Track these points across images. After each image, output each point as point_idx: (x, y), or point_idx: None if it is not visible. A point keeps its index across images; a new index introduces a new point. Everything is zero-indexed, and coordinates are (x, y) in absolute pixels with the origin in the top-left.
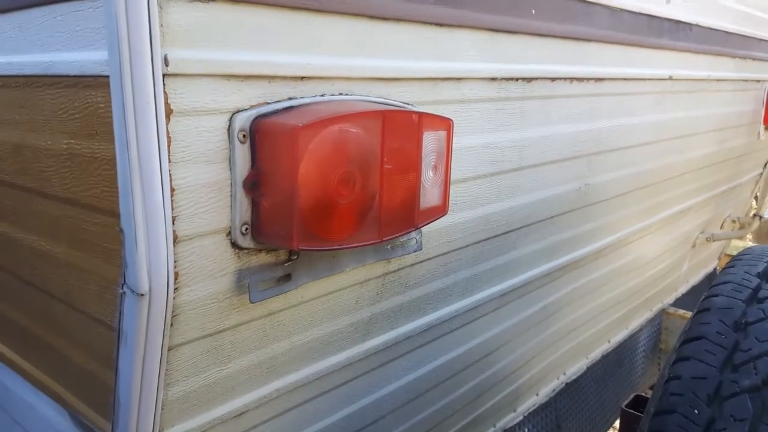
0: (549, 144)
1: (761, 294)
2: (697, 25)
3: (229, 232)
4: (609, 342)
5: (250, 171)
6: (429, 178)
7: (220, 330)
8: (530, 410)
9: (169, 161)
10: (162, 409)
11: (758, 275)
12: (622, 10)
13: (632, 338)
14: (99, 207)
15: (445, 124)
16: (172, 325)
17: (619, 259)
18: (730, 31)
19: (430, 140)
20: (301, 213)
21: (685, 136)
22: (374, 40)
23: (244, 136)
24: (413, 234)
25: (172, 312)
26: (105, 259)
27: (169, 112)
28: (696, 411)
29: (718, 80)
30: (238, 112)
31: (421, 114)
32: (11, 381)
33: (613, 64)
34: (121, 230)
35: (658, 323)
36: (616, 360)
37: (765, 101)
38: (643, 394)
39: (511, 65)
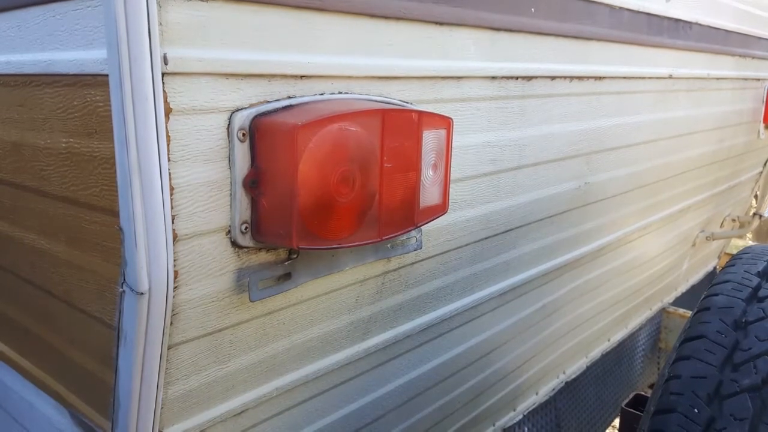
0: (549, 143)
1: (761, 293)
2: (696, 24)
3: (229, 231)
4: (609, 341)
5: (250, 170)
6: (429, 176)
7: (219, 329)
8: (530, 409)
9: (169, 160)
10: (162, 407)
11: (758, 274)
12: (621, 8)
13: (632, 337)
14: (98, 206)
15: (444, 122)
16: (171, 323)
17: (618, 258)
18: (730, 29)
19: (430, 139)
20: (301, 212)
21: (684, 135)
22: (374, 39)
23: (243, 134)
24: (413, 233)
25: (172, 311)
26: (104, 258)
27: (168, 111)
28: (696, 410)
29: (717, 79)
30: (238, 110)
31: (420, 113)
32: (11, 380)
33: (612, 62)
34: (120, 229)
35: (657, 322)
36: (616, 359)
37: (765, 100)
38: (643, 393)
39: (511, 64)
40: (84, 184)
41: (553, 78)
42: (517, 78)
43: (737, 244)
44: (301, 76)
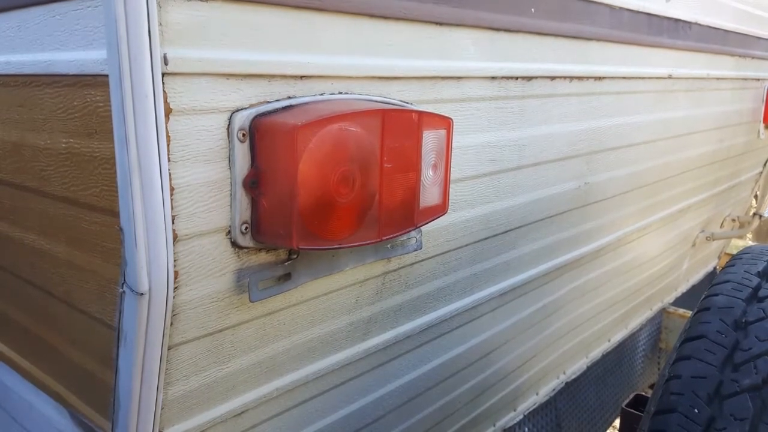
0: (549, 143)
1: (761, 293)
2: (696, 24)
3: (229, 231)
4: (609, 341)
5: (250, 170)
6: (429, 177)
7: (219, 329)
8: (530, 409)
9: (169, 160)
10: (162, 408)
11: (758, 274)
12: (621, 8)
13: (632, 337)
14: (98, 206)
15: (444, 123)
16: (171, 324)
17: (618, 258)
18: (730, 29)
19: (430, 139)
20: (301, 212)
21: (684, 135)
22: (374, 39)
23: (243, 135)
24: (413, 233)
25: (172, 311)
26: (105, 258)
27: (168, 111)
28: (696, 410)
29: (717, 79)
30: (238, 111)
31: (420, 113)
32: (11, 380)
33: (612, 62)
34: (120, 229)
35: (658, 322)
36: (616, 359)
37: (765, 100)
38: (644, 393)
39: (511, 64)
40: (84, 184)
41: (553, 78)
42: (517, 78)
43: (737, 244)
44: (301, 77)
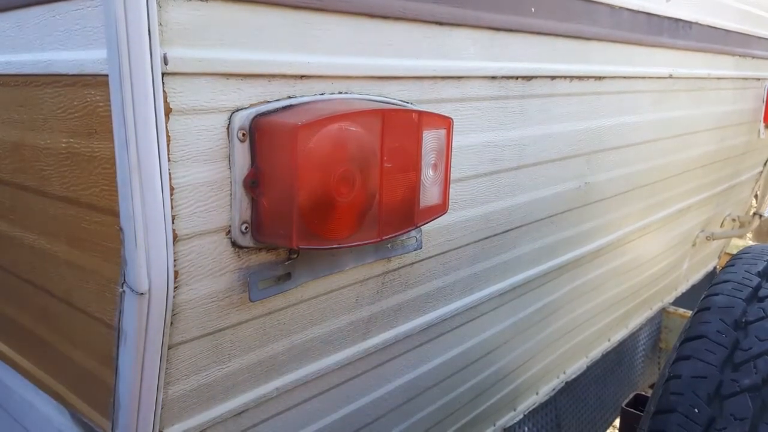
0: (549, 142)
1: (761, 293)
2: (696, 23)
3: (229, 231)
4: (609, 341)
5: (250, 170)
6: (429, 176)
7: (220, 329)
8: (530, 409)
9: (169, 160)
10: (162, 407)
11: (758, 274)
12: (621, 8)
13: (632, 337)
14: (98, 206)
15: (445, 122)
16: (171, 323)
17: (618, 257)
18: (730, 29)
19: (430, 139)
20: (301, 212)
21: (685, 135)
22: (374, 39)
23: (243, 134)
24: (413, 233)
25: (172, 311)
26: (105, 258)
27: (168, 111)
28: (696, 410)
29: (718, 78)
30: (238, 110)
31: (420, 113)
32: (12, 380)
33: (612, 62)
34: (120, 229)
35: (658, 322)
36: (616, 359)
37: (765, 99)
38: (644, 393)
39: (511, 64)
40: (84, 184)
41: (553, 78)
42: (517, 78)
43: (737, 244)
44: (301, 76)
